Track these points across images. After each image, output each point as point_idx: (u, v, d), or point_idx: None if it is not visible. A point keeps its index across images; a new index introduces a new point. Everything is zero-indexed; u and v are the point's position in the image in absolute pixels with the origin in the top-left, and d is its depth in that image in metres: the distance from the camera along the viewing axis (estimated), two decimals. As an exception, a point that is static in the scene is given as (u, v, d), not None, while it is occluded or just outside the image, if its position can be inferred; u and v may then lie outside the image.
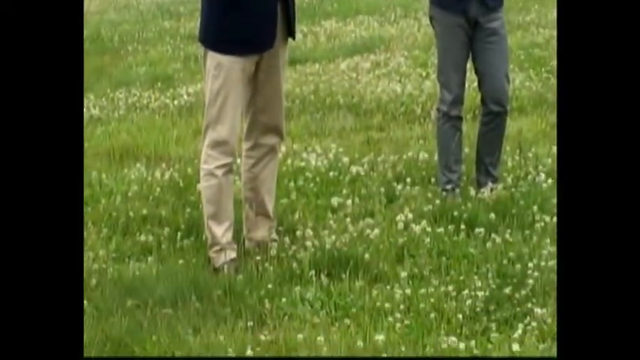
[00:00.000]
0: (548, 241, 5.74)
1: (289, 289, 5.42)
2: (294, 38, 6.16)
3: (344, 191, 7.04)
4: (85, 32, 15.38)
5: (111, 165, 8.11)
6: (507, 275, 5.38)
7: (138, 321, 5.12)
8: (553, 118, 8.80)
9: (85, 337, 4.97)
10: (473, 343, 4.68)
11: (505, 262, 5.55)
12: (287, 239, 6.09)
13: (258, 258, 5.89)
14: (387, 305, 5.11)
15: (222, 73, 5.87)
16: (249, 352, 4.73)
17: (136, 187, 7.38)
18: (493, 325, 4.88)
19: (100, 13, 17.91)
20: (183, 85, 11.10)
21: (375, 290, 5.30)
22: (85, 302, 5.34)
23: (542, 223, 6.14)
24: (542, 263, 5.47)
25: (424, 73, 10.53)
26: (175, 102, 10.44)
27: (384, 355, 4.65)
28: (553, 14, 14.42)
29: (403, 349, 4.67)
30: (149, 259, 6.15)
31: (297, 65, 11.53)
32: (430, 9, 6.87)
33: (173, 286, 5.54)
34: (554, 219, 6.06)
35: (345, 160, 7.60)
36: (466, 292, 5.19)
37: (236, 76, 5.84)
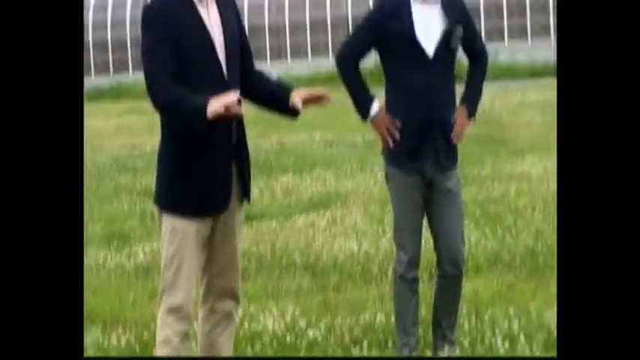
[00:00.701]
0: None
1: None
2: (249, 200, 5.93)
3: (301, 356, 6.97)
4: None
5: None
6: None
7: None
8: (509, 277, 8.89)
9: None
10: None
11: None
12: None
13: None
14: None
15: (177, 236, 5.69)
16: None
17: (92, 352, 7.33)
18: None
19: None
20: (139, 243, 11.04)
21: None
22: None
23: None
24: None
25: (380, 230, 10.52)
26: (132, 261, 10.37)
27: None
28: (508, 168, 14.64)
29: None
30: None
31: (254, 222, 11.57)
32: (385, 167, 6.75)
33: None
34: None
35: (302, 323, 7.54)
36: None
37: (191, 239, 5.70)
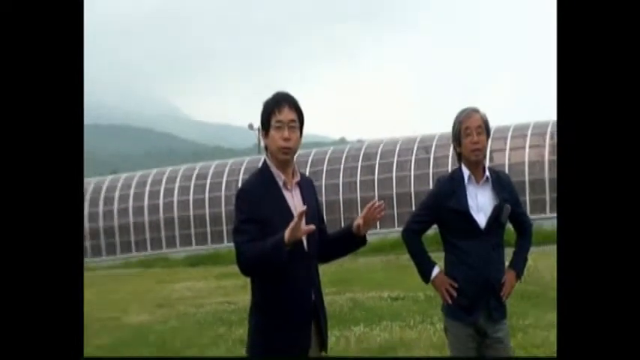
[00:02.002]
0: None
1: None
2: (326, 351, 5.76)
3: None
4: (150, 338, 15.61)
5: None
6: None
7: None
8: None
9: None
10: None
11: None
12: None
13: None
14: None
15: None
16: None
17: None
18: None
19: (162, 322, 18.08)
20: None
21: None
22: None
23: None
24: None
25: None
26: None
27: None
28: (549, 318, 14.55)
29: None
30: None
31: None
32: (444, 320, 6.71)
33: None
34: None
35: None
36: None
37: None
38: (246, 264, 5.40)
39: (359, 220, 5.62)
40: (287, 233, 5.11)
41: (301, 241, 5.39)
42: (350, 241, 5.83)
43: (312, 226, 5.25)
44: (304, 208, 5.26)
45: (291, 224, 5.10)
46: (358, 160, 44.35)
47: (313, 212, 5.57)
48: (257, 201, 5.45)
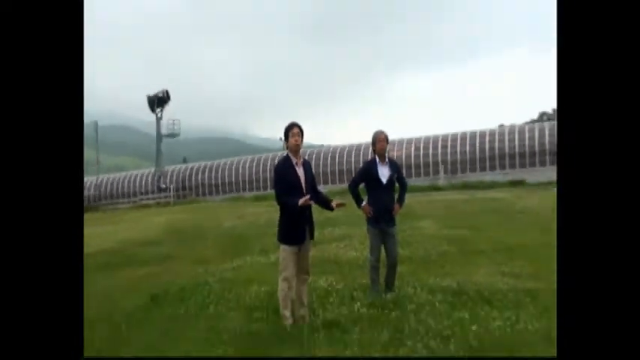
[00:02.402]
0: (412, 314, 5.76)
1: (312, 334, 5.39)
2: (313, 239, 6.04)
3: (334, 295, 6.81)
4: (234, 233, 15.44)
5: (245, 285, 8.10)
6: (398, 328, 5.33)
7: (254, 347, 5.10)
8: (413, 267, 8.81)
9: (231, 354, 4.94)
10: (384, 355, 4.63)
11: (396, 323, 5.48)
12: (311, 315, 6.04)
13: (300, 322, 5.74)
14: (350, 341, 5.05)
15: (285, 252, 5.79)
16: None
17: (254, 294, 7.32)
18: (391, 349, 4.85)
19: (241, 225, 18.01)
20: (272, 254, 10.99)
21: (345, 335, 5.25)
22: (234, 340, 5.29)
23: (410, 307, 5.93)
24: (411, 324, 5.34)
25: (364, 248, 10.46)
26: (269, 260, 10.42)
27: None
28: (414, 224, 14.56)
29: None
30: (259, 323, 6.00)
31: (316, 245, 11.51)
32: (367, 225, 6.70)
33: (269, 333, 5.54)
34: (415, 305, 6.05)
35: (334, 283, 7.49)
36: (381, 335, 5.11)
37: (291, 253, 5.77)
38: (279, 203, 5.80)
39: (333, 203, 5.90)
40: (301, 202, 5.57)
41: (302, 187, 5.76)
42: (326, 205, 6.00)
43: (309, 197, 5.65)
44: (309, 196, 5.67)
45: (302, 201, 5.57)
46: (327, 157, 44.15)
47: (310, 179, 5.90)
48: (283, 172, 5.80)
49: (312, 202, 5.78)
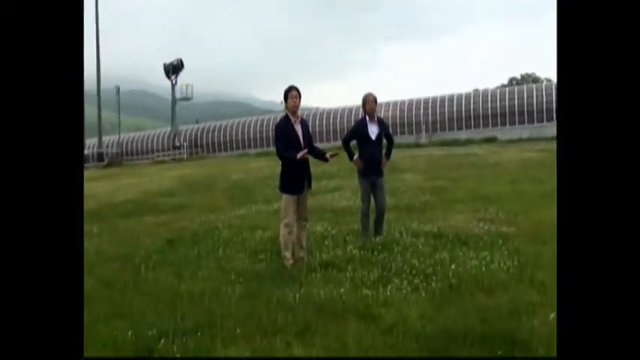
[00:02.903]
0: (399, 255, 5.70)
1: (310, 274, 5.35)
2: (311, 188, 5.99)
3: (329, 239, 6.82)
4: (241, 185, 15.37)
5: (251, 230, 8.03)
6: (385, 268, 5.28)
7: (259, 285, 5.05)
8: (399, 214, 8.76)
9: (238, 291, 4.84)
10: (373, 292, 4.57)
11: (384, 263, 5.42)
12: (310, 256, 6.02)
13: (300, 263, 5.74)
14: (344, 279, 5.00)
15: (286, 201, 5.77)
16: (297, 296, 4.55)
17: (258, 238, 7.24)
18: (380, 285, 4.78)
19: (246, 178, 17.93)
20: (275, 203, 10.94)
21: (339, 274, 5.19)
22: (241, 279, 5.26)
23: (397, 249, 5.89)
24: (398, 264, 5.30)
25: (356, 198, 10.40)
26: (272, 209, 10.35)
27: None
28: (399, 177, 14.50)
29: (350, 295, 4.54)
30: (263, 264, 5.98)
31: (313, 195, 11.43)
32: (358, 177, 6.71)
33: (271, 273, 5.48)
34: (401, 247, 6.00)
35: (329, 228, 7.47)
36: (371, 273, 5.08)
37: (292, 201, 5.73)
38: (280, 157, 5.75)
39: (328, 155, 5.89)
40: (299, 155, 5.56)
41: (300, 143, 5.72)
42: (321, 158, 5.98)
43: (306, 151, 5.64)
44: (306, 150, 5.64)
45: (300, 154, 5.55)
46: (322, 118, 43.70)
47: (307, 135, 5.84)
48: (283, 129, 5.74)
49: (308, 156, 5.69)
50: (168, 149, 45.94)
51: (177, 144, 45.66)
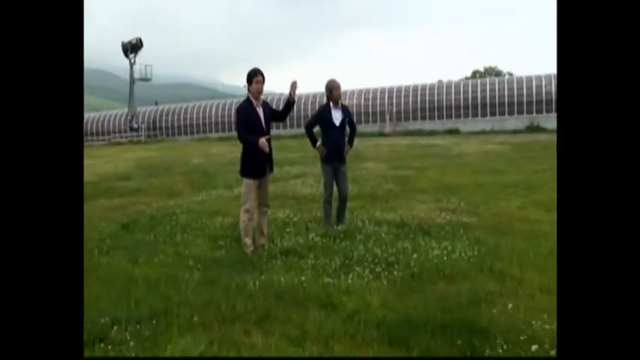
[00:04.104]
0: (361, 244, 5.69)
1: (271, 261, 5.31)
2: (273, 172, 5.97)
3: (291, 226, 6.84)
4: (201, 169, 15.13)
5: (210, 216, 7.92)
6: (347, 256, 5.28)
7: (218, 272, 4.97)
8: (363, 202, 8.80)
9: (196, 277, 4.75)
10: (335, 280, 4.57)
11: (346, 251, 5.43)
12: (271, 243, 5.98)
13: (260, 250, 5.72)
14: (305, 267, 4.98)
15: (246, 185, 5.72)
16: (257, 283, 4.54)
17: (218, 224, 7.17)
18: (342, 273, 4.78)
19: (206, 163, 17.68)
20: (235, 188, 10.86)
21: (301, 261, 5.18)
22: (199, 265, 5.18)
23: (359, 238, 5.94)
24: (360, 252, 5.31)
25: (319, 185, 10.44)
26: (232, 194, 10.26)
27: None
28: (361, 166, 14.57)
29: (311, 282, 4.51)
30: (222, 250, 5.92)
31: (275, 182, 11.42)
32: (320, 163, 6.70)
33: (231, 260, 5.40)
34: (363, 236, 6.01)
35: (291, 215, 7.44)
36: (332, 262, 5.08)
37: (253, 186, 5.70)
38: (241, 140, 5.64)
39: (289, 91, 5.77)
40: (260, 143, 5.47)
41: (262, 126, 5.67)
42: (287, 105, 5.92)
43: (267, 137, 5.57)
44: (268, 137, 5.59)
45: (260, 142, 5.47)
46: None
47: (268, 115, 5.77)
48: (245, 111, 5.65)
49: (267, 150, 5.59)
50: (126, 131, 44.84)
51: (135, 126, 44.57)
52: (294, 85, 5.82)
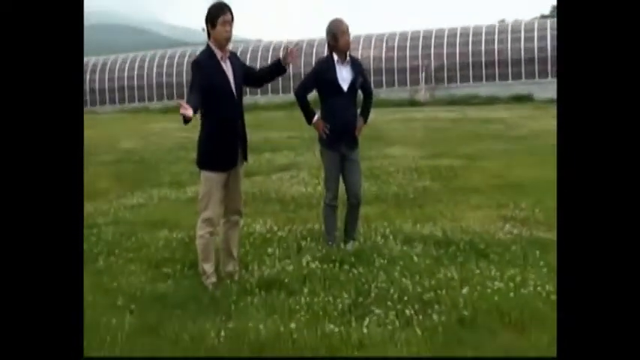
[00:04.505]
0: (382, 272, 5.71)
1: (244, 298, 5.33)
2: (247, 161, 6.05)
3: (274, 245, 6.88)
4: (135, 158, 15.26)
5: (151, 230, 7.98)
6: (361, 291, 5.30)
7: (162, 316, 5.00)
8: (384, 207, 8.85)
9: (128, 325, 4.85)
10: (342, 327, 4.61)
11: (359, 283, 5.46)
12: (243, 271, 6.01)
13: (228, 282, 5.75)
14: (297, 307, 5.01)
15: (208, 182, 5.73)
16: (222, 333, 4.58)
17: (162, 242, 7.23)
18: (353, 318, 4.81)
19: (144, 147, 17.75)
20: (188, 187, 10.96)
21: (290, 299, 5.21)
22: (133, 306, 5.25)
23: (379, 263, 6.00)
24: (380, 285, 5.35)
25: (317, 181, 10.54)
26: (184, 196, 10.34)
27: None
28: (384, 151, 14.64)
29: (305, 332, 4.55)
30: (169, 282, 5.96)
31: (251, 177, 11.48)
32: (320, 148, 6.78)
33: (182, 297, 5.42)
34: (385, 260, 6.05)
35: (275, 228, 7.48)
36: (339, 299, 5.12)
37: (216, 183, 5.74)
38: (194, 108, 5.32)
39: (282, 55, 5.91)
40: (182, 110, 5.13)
41: (232, 91, 5.71)
42: (275, 71, 6.04)
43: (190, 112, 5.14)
44: (190, 110, 5.20)
45: (183, 109, 5.14)
46: (266, 56, 43.49)
47: (239, 75, 5.85)
48: (203, 66, 5.67)
49: (190, 114, 5.54)
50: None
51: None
52: (292, 53, 5.91)
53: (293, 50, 5.87)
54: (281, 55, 5.89)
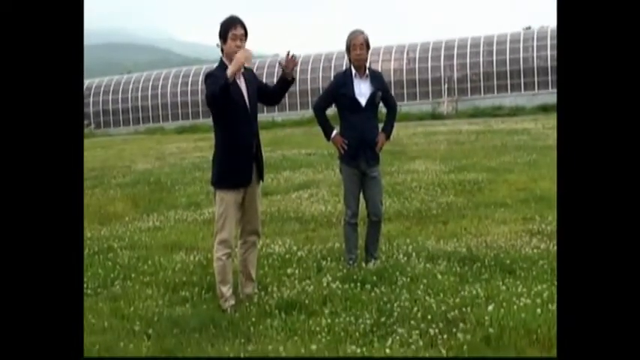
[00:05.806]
0: (405, 291, 5.73)
1: (264, 321, 5.36)
2: (263, 180, 6.06)
3: (294, 265, 6.91)
4: (151, 179, 15.36)
5: (167, 253, 8.03)
6: (384, 310, 5.31)
7: (180, 340, 5.04)
8: (406, 223, 8.85)
9: (145, 350, 4.88)
10: (364, 348, 4.62)
11: (381, 303, 5.48)
12: (262, 293, 6.04)
13: (247, 304, 5.78)
14: (317, 328, 5.03)
15: (223, 202, 5.76)
16: (242, 356, 4.61)
17: (179, 265, 7.28)
18: (376, 338, 4.83)
19: (159, 168, 17.84)
20: (205, 208, 10.99)
21: (310, 321, 5.24)
22: (151, 330, 5.28)
23: (402, 281, 6.02)
24: (403, 304, 5.38)
25: (337, 199, 10.55)
26: (201, 217, 10.37)
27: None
28: (406, 166, 14.64)
29: (326, 353, 4.58)
30: (186, 305, 6.00)
31: (269, 196, 11.52)
32: (340, 164, 6.84)
33: (200, 321, 5.46)
34: (408, 279, 6.06)
35: (294, 248, 7.52)
36: (360, 320, 5.14)
37: (232, 203, 5.79)
38: (209, 98, 5.56)
39: (283, 65, 5.91)
40: (228, 72, 5.35)
41: (246, 106, 5.74)
42: (284, 84, 5.96)
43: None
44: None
45: (230, 71, 5.36)
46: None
47: (253, 91, 5.90)
48: (218, 80, 5.54)
49: (246, 56, 5.52)
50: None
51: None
52: (291, 60, 5.86)
53: (291, 59, 5.86)
54: (281, 65, 5.93)
